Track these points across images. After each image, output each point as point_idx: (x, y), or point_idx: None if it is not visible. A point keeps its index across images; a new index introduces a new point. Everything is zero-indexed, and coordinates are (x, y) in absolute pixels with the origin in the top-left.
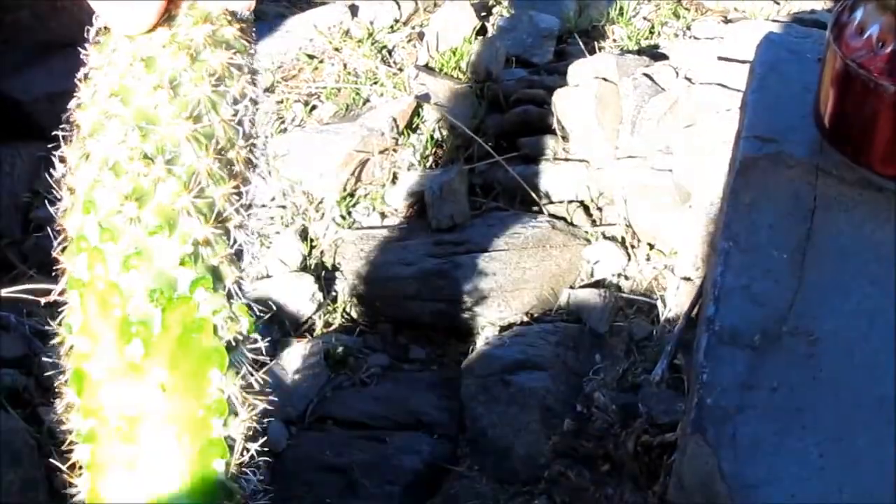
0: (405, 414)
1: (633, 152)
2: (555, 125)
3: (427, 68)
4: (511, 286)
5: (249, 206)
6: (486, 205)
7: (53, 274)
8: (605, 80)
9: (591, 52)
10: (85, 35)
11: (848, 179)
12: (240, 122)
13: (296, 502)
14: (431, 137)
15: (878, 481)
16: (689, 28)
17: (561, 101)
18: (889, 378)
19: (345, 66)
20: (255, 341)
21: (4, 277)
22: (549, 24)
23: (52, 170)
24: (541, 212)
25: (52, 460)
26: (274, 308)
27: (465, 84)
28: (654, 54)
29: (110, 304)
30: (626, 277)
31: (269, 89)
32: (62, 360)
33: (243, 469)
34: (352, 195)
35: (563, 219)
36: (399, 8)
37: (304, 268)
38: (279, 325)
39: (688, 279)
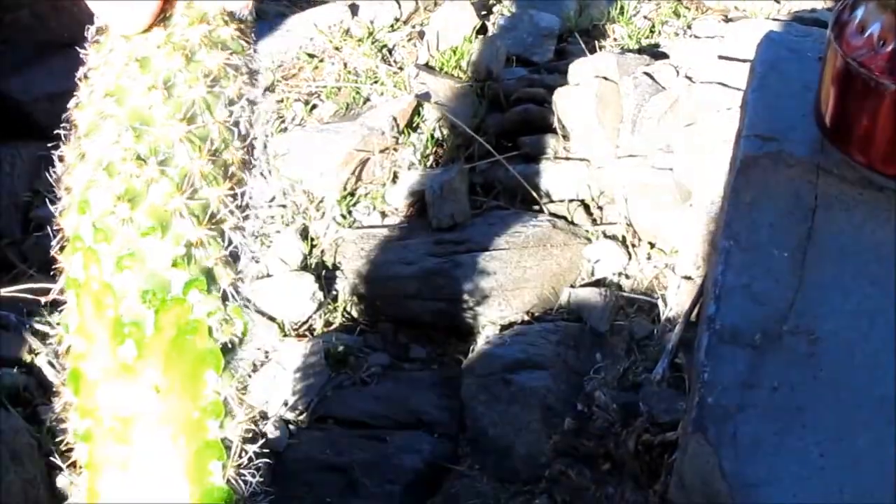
0: (406, 413)
1: (633, 151)
2: (555, 124)
3: (427, 67)
4: (512, 285)
5: (246, 208)
6: (486, 204)
7: (53, 273)
8: (605, 78)
9: (592, 51)
10: (85, 34)
11: (849, 178)
12: (236, 124)
13: (296, 502)
14: (432, 136)
15: (879, 481)
16: (689, 27)
17: (561, 100)
18: (889, 378)
19: (345, 65)
20: (252, 342)
21: (4, 277)
22: (550, 22)
23: (52, 169)
24: (541, 211)
25: (52, 459)
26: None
27: (466, 83)
28: (655, 53)
29: (104, 305)
30: (627, 276)
31: (270, 88)
32: (61, 359)
33: (241, 470)
34: (352, 194)
35: (564, 218)
36: (399, 7)
37: (305, 267)
38: (279, 325)
39: (689, 278)
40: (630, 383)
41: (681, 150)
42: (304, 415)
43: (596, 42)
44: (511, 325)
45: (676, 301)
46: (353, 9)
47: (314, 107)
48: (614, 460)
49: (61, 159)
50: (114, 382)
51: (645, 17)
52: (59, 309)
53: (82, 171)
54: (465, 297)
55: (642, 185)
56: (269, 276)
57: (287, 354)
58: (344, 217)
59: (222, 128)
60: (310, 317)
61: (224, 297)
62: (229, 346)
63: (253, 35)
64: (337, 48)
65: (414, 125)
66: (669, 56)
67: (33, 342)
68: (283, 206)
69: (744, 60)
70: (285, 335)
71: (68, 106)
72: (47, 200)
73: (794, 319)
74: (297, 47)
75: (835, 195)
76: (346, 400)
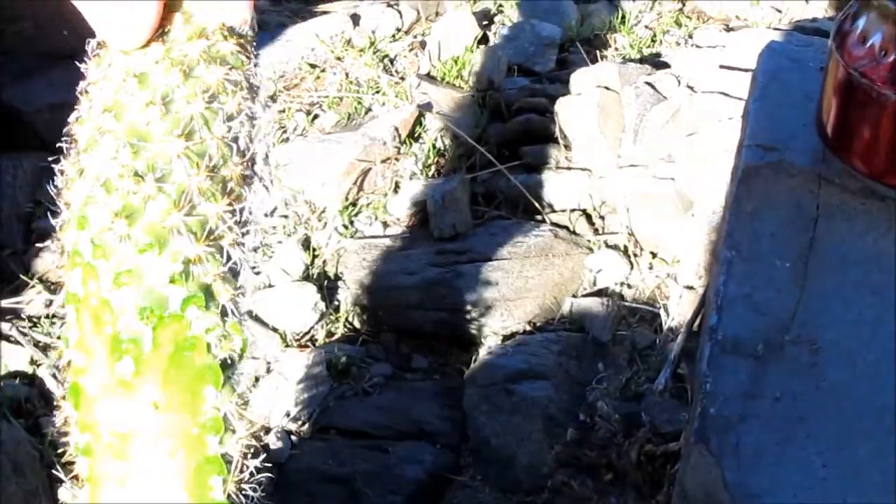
0: (408, 423)
1: (635, 161)
2: (557, 134)
3: (429, 77)
4: (513, 295)
5: (245, 223)
6: (488, 214)
7: (53, 288)
8: (607, 88)
9: (593, 60)
10: (86, 46)
11: (850, 188)
12: (235, 139)
13: None
14: (433, 146)
15: (881, 491)
16: (690, 36)
17: (563, 110)
18: (890, 387)
19: (346, 75)
20: (252, 356)
21: (6, 287)
22: (551, 32)
23: (53, 180)
24: (543, 220)
25: (54, 471)
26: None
27: (468, 93)
28: (656, 62)
29: (103, 321)
30: (629, 286)
31: (272, 98)
32: (62, 372)
33: (243, 485)
34: (354, 204)
35: (566, 227)
36: (401, 17)
37: (307, 277)
38: (281, 335)
39: (690, 288)
40: (632, 393)
41: (682, 159)
42: (307, 425)
43: (597, 51)
44: (513, 335)
45: (678, 311)
46: (355, 19)
47: (316, 117)
48: (616, 471)
49: (62, 173)
50: (112, 399)
51: (646, 27)
52: (60, 318)
53: (81, 186)
54: (467, 307)
55: (644, 195)
56: (270, 286)
57: (289, 365)
58: (346, 227)
59: (221, 143)
60: (312, 327)
61: (223, 313)
62: (228, 361)
63: (254, 49)
64: (338, 58)
65: (416, 135)
66: (671, 65)
67: (35, 353)
68: (285, 217)
69: (745, 70)
70: (287, 346)
71: (69, 120)
72: (49, 212)
73: (795, 329)
74: (298, 57)
75: (836, 205)
76: (348, 410)
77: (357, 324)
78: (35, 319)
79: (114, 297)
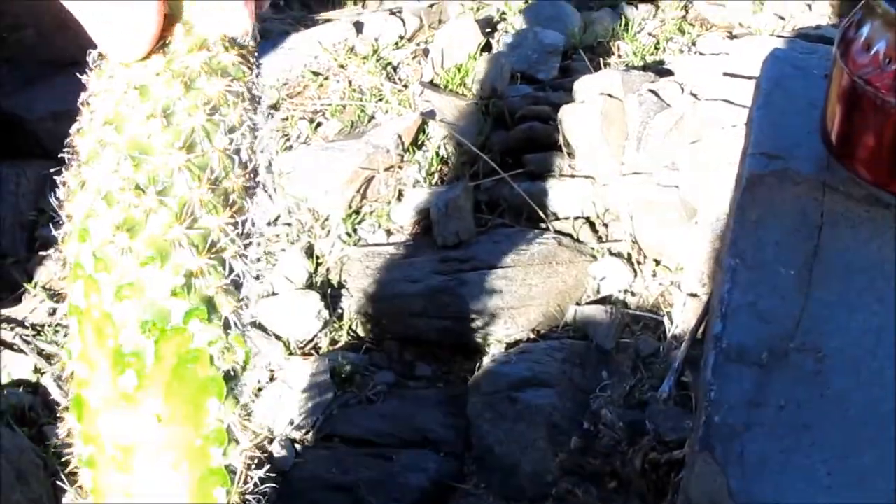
0: (411, 431)
1: (638, 168)
2: (560, 141)
3: (432, 85)
4: (517, 303)
5: (248, 235)
6: (491, 221)
7: (56, 297)
8: (610, 96)
9: (597, 68)
10: (87, 56)
11: (855, 196)
12: (237, 151)
13: None
14: (437, 154)
15: (884, 499)
16: (694, 44)
17: (566, 118)
18: (893, 395)
19: (350, 82)
20: (256, 366)
21: (9, 296)
22: (554, 40)
23: (56, 189)
24: (547, 228)
25: (58, 482)
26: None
27: (471, 100)
28: (660, 70)
29: (105, 334)
30: (633, 294)
31: (274, 107)
32: (65, 384)
33: (247, 497)
34: (357, 212)
35: (569, 235)
36: (404, 24)
37: (310, 285)
38: (285, 343)
39: (694, 295)
40: (636, 401)
41: (686, 167)
42: (310, 434)
43: (601, 59)
44: (517, 342)
45: (682, 318)
46: (358, 26)
47: (319, 125)
48: (621, 479)
49: (64, 184)
50: (114, 411)
51: (649, 34)
52: (64, 327)
53: (82, 198)
54: (471, 315)
55: (647, 203)
56: (274, 294)
57: (293, 373)
58: (349, 235)
59: (222, 156)
60: (315, 335)
61: (226, 326)
62: (231, 373)
63: (255, 60)
64: (342, 66)
65: (419, 143)
66: (674, 73)
67: (39, 362)
68: (289, 225)
69: (749, 77)
70: (291, 354)
71: (70, 131)
72: (51, 222)
73: (800, 337)
74: (301, 65)
75: (841, 212)
76: (351, 418)
77: (361, 332)
78: (38, 328)
79: (115, 311)
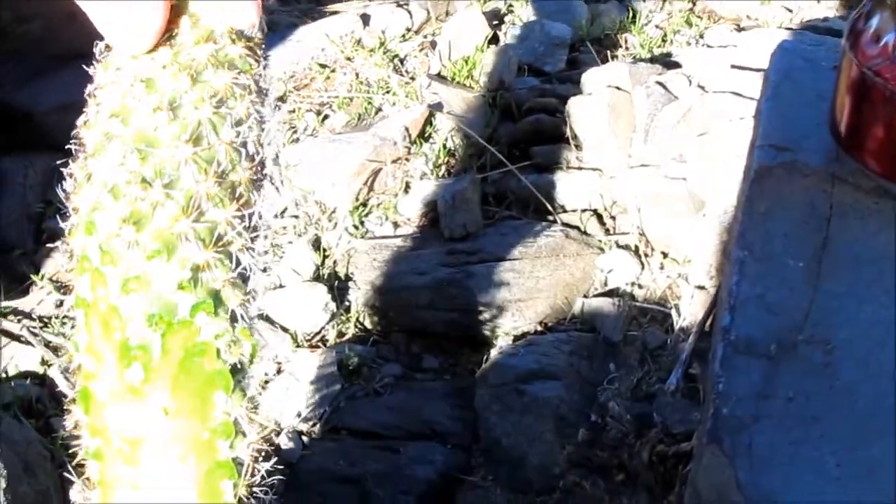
0: (419, 424)
1: (646, 161)
2: (567, 134)
3: (439, 77)
4: (524, 295)
5: (255, 228)
6: (498, 214)
7: (62, 289)
8: (617, 88)
9: (604, 60)
10: (94, 48)
11: (864, 188)
12: (243, 144)
13: None
14: (444, 146)
15: (894, 491)
16: (701, 36)
17: (574, 110)
18: None
19: (357, 75)
20: (263, 359)
21: (17, 288)
22: (562, 32)
23: (63, 181)
24: (554, 221)
25: (65, 474)
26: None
27: (478, 93)
28: (667, 62)
29: (111, 327)
30: (640, 286)
31: (281, 99)
32: (72, 376)
33: (254, 489)
34: (364, 205)
35: (577, 227)
36: (411, 17)
37: (317, 277)
38: (292, 336)
39: (702, 288)
40: (644, 394)
41: (694, 159)
42: (318, 426)
43: (608, 51)
44: (524, 335)
45: (690, 311)
46: (365, 19)
47: (326, 117)
48: (628, 471)
49: (71, 177)
50: (121, 404)
51: (657, 27)
52: (71, 319)
53: (89, 191)
54: (478, 307)
55: (655, 195)
56: (281, 287)
57: (300, 365)
58: (356, 227)
59: (229, 149)
60: (322, 327)
61: (233, 319)
62: (238, 366)
63: (263, 52)
64: (348, 58)
65: (426, 135)
66: (682, 65)
67: (46, 354)
68: (296, 217)
69: (757, 69)
70: (298, 346)
71: (77, 123)
72: (58, 214)
73: (809, 329)
74: (308, 58)
75: (850, 204)
76: (359, 411)
77: (368, 324)
78: (46, 319)
79: (122, 304)
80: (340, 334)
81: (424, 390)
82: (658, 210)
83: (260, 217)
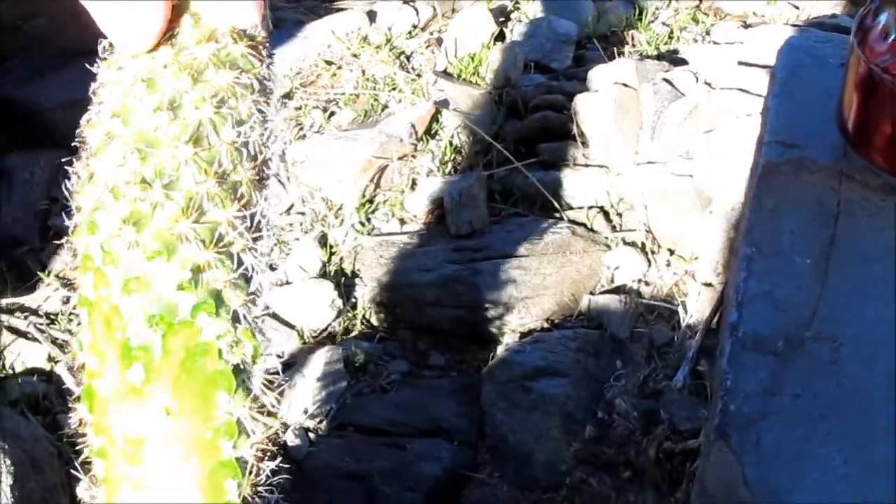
0: (425, 421)
1: (653, 157)
2: (574, 131)
3: (445, 74)
4: (531, 292)
5: (258, 228)
6: (505, 211)
7: (68, 286)
8: (624, 85)
9: (611, 57)
10: (98, 46)
11: (872, 185)
12: (245, 144)
13: None
14: (450, 143)
15: None
16: (708, 33)
17: (580, 107)
18: None
19: (363, 72)
20: (266, 361)
21: (23, 285)
22: (568, 29)
23: (69, 178)
24: (560, 218)
25: (73, 471)
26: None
27: (484, 90)
28: (674, 59)
29: (113, 327)
30: (647, 283)
31: (288, 96)
32: (77, 373)
33: (259, 488)
34: (371, 201)
35: (583, 224)
36: (417, 14)
37: (324, 274)
38: (299, 332)
39: (709, 285)
40: (650, 391)
41: (700, 156)
42: (324, 423)
43: (614, 48)
44: (531, 332)
45: (696, 308)
46: (371, 16)
47: (332, 114)
48: (635, 468)
49: (76, 175)
50: (123, 404)
51: (663, 24)
52: (77, 316)
53: (91, 191)
54: (485, 304)
55: (662, 192)
56: (288, 283)
57: (306, 362)
58: (363, 224)
59: (230, 149)
60: (329, 324)
61: (235, 319)
62: (241, 366)
63: (267, 51)
64: (355, 55)
65: (432, 132)
66: (689, 62)
67: (53, 350)
68: (302, 214)
69: (763, 66)
70: (305, 343)
71: (81, 121)
72: (64, 211)
73: (816, 326)
74: (315, 54)
75: (857, 201)
76: (365, 407)
77: (374, 321)
78: (52, 316)
79: (123, 304)
80: (347, 331)
81: (431, 387)
82: (665, 207)
83: (263, 217)
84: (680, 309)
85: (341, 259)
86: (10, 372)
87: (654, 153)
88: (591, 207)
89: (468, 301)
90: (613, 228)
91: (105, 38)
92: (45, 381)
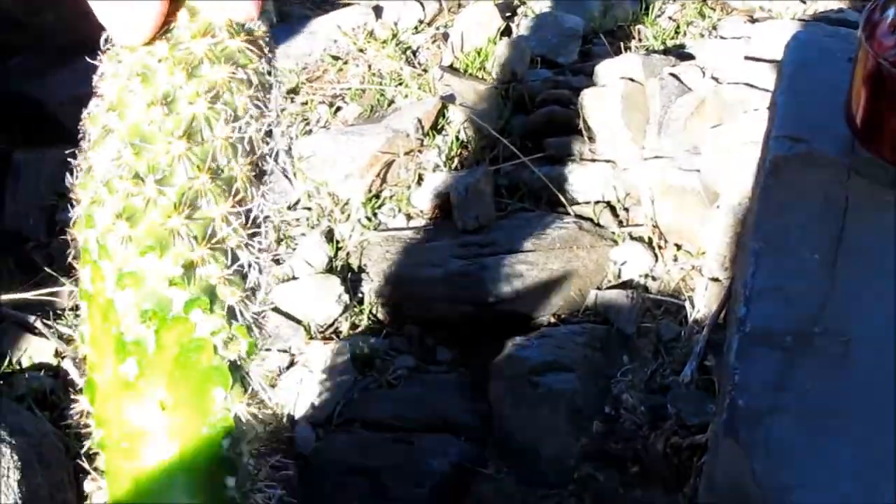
0: (432, 416)
1: (660, 152)
2: (581, 126)
3: (452, 69)
4: (538, 287)
5: (255, 224)
6: (511, 206)
7: (75, 281)
8: (631, 80)
9: (617, 52)
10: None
11: (880, 179)
12: (241, 139)
13: None
14: (457, 138)
15: None
16: (714, 28)
17: (587, 102)
18: None
19: (369, 67)
20: (267, 357)
21: (30, 280)
22: (574, 24)
23: (71, 173)
24: (567, 213)
25: (80, 462)
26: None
27: (491, 85)
28: (681, 54)
29: (109, 321)
30: (654, 278)
31: (294, 91)
32: (81, 365)
33: (260, 484)
34: (377, 197)
35: (590, 219)
36: (423, 8)
37: (330, 269)
38: (305, 328)
39: (716, 280)
40: (658, 386)
41: (708, 151)
42: (331, 418)
43: (621, 43)
44: (537, 327)
45: (703, 303)
46: (377, 10)
47: (338, 109)
48: (643, 463)
49: (78, 167)
50: (120, 398)
51: (670, 18)
52: (80, 308)
53: (89, 184)
54: (491, 299)
55: (669, 187)
56: (294, 278)
57: (313, 357)
58: (369, 219)
59: (225, 144)
60: (336, 319)
61: (231, 316)
62: (238, 362)
63: (268, 44)
64: (361, 50)
65: (439, 127)
66: (695, 57)
67: (60, 345)
68: (308, 209)
69: (770, 61)
70: (311, 338)
71: (82, 115)
72: (70, 205)
73: (825, 321)
74: (321, 49)
75: (866, 196)
76: (372, 402)
77: (381, 316)
78: (59, 311)
79: (117, 298)
80: (354, 326)
81: (438, 382)
82: (672, 202)
83: (261, 212)
84: (687, 304)
85: (348, 254)
86: (17, 367)
87: (661, 148)
88: (597, 202)
89: (475, 296)
90: (620, 223)
91: (105, 30)
92: (52, 376)
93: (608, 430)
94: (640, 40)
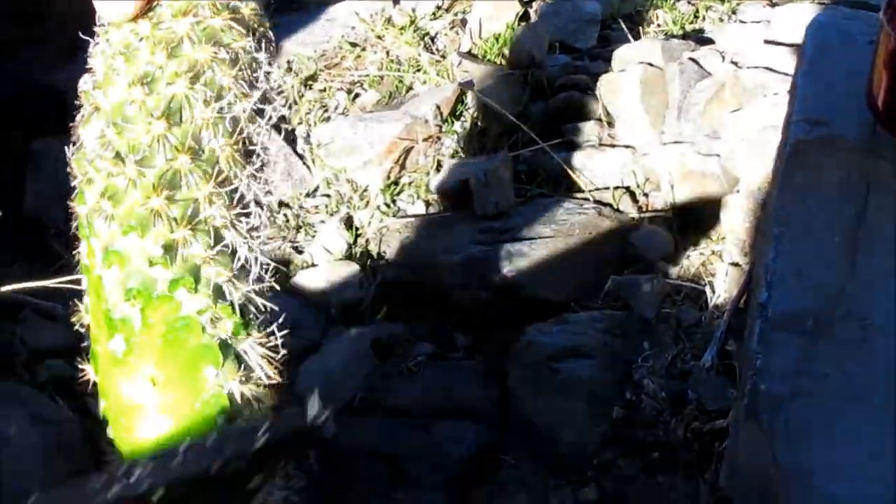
0: (452, 402)
1: (679, 137)
2: (599, 111)
3: (470, 55)
4: (557, 273)
5: (243, 204)
6: (530, 191)
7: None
8: (650, 65)
9: (636, 37)
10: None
11: None
12: (223, 119)
13: (344, 490)
14: (475, 124)
15: None
16: (734, 12)
17: (606, 87)
18: None
19: (387, 53)
20: (266, 336)
21: (51, 267)
22: (593, 9)
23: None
24: (586, 198)
25: (101, 448)
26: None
27: (509, 71)
28: (700, 38)
29: (100, 297)
30: (674, 263)
31: (312, 77)
32: (86, 333)
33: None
34: (396, 183)
35: (609, 205)
36: None
37: (350, 256)
38: (325, 314)
39: (736, 265)
40: (678, 371)
41: (727, 135)
42: (352, 404)
43: (639, 28)
44: (557, 313)
45: (724, 288)
46: None
47: (357, 96)
48: (663, 449)
49: (75, 143)
50: (112, 373)
51: (689, 2)
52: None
53: (81, 160)
54: (510, 285)
55: (688, 172)
56: (314, 265)
57: (333, 344)
58: (388, 206)
59: (207, 123)
60: (355, 306)
61: (218, 295)
62: (228, 341)
63: (257, 24)
64: (379, 37)
65: (457, 113)
66: (715, 41)
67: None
68: (328, 196)
69: (790, 45)
70: (331, 324)
71: (79, 88)
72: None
73: (846, 305)
74: (339, 36)
75: (887, 179)
76: (392, 389)
77: (400, 302)
78: (79, 298)
79: (105, 276)
80: (373, 312)
81: (457, 368)
82: (691, 186)
83: (250, 191)
84: (707, 289)
85: (367, 241)
86: (38, 354)
87: (681, 133)
88: (616, 187)
89: (494, 282)
90: (640, 208)
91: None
92: (71, 364)
93: (628, 416)
94: (658, 25)
